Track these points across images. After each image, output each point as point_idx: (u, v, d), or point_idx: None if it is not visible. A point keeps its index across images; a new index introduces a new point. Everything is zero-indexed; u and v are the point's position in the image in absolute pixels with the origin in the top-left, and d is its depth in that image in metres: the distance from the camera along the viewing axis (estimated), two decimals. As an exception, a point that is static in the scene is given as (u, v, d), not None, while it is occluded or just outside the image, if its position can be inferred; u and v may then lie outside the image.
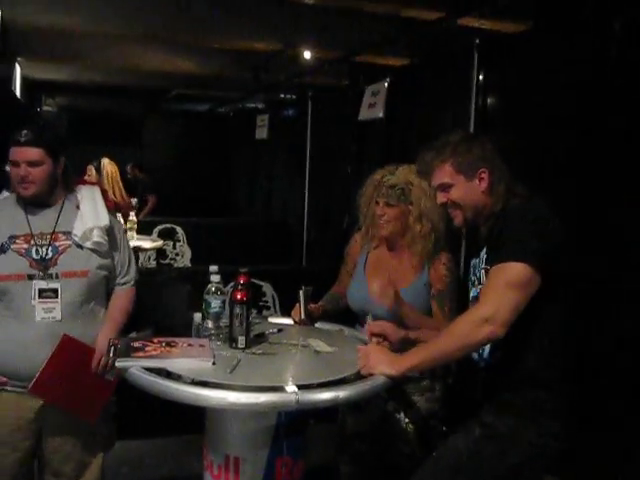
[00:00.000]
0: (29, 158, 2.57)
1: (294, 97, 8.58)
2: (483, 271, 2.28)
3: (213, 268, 2.64)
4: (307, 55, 5.58)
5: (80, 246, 2.65)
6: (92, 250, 2.66)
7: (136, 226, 6.16)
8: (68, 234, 2.66)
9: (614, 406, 3.44)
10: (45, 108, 10.92)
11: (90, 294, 2.69)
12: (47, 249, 2.61)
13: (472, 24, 4.23)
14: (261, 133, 9.00)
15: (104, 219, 2.72)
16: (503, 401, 2.23)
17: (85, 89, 9.84)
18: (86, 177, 5.81)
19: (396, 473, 2.83)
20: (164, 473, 4.00)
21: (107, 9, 4.70)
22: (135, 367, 2.23)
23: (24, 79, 7.71)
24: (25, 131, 2.57)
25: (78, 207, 2.73)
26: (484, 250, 2.31)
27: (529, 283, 2.06)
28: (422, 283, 2.86)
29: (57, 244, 2.63)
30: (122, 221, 5.60)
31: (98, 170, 5.74)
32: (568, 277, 2.19)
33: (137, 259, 5.84)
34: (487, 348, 2.26)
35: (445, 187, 2.30)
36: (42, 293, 2.57)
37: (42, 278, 2.58)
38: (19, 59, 6.94)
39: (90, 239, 2.66)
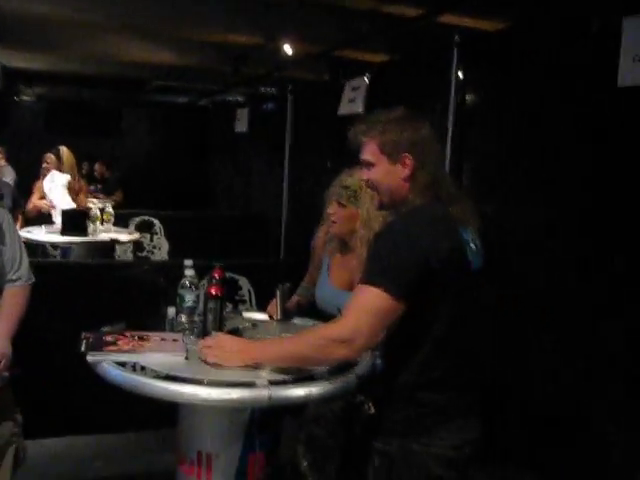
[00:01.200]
0: None
1: (274, 91, 8.54)
2: None
3: (187, 262, 2.63)
4: (288, 49, 5.54)
5: None
6: None
7: (113, 218, 6.12)
8: None
9: (614, 406, 3.46)
10: (23, 97, 10.80)
11: None
12: None
13: (452, 21, 4.23)
14: (241, 126, 8.97)
15: None
16: (388, 421, 2.12)
17: (64, 79, 9.71)
18: (44, 165, 5.88)
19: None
20: (138, 467, 3.96)
21: (86, -1, 4.67)
22: (106, 361, 2.21)
23: (2, 68, 7.60)
24: None
25: None
26: None
27: (390, 310, 1.94)
28: None
29: None
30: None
31: (58, 157, 5.95)
32: (453, 285, 2.03)
33: (113, 251, 5.81)
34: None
35: (368, 164, 2.20)
36: None
37: None
38: (-3, 47, 6.85)
39: None
